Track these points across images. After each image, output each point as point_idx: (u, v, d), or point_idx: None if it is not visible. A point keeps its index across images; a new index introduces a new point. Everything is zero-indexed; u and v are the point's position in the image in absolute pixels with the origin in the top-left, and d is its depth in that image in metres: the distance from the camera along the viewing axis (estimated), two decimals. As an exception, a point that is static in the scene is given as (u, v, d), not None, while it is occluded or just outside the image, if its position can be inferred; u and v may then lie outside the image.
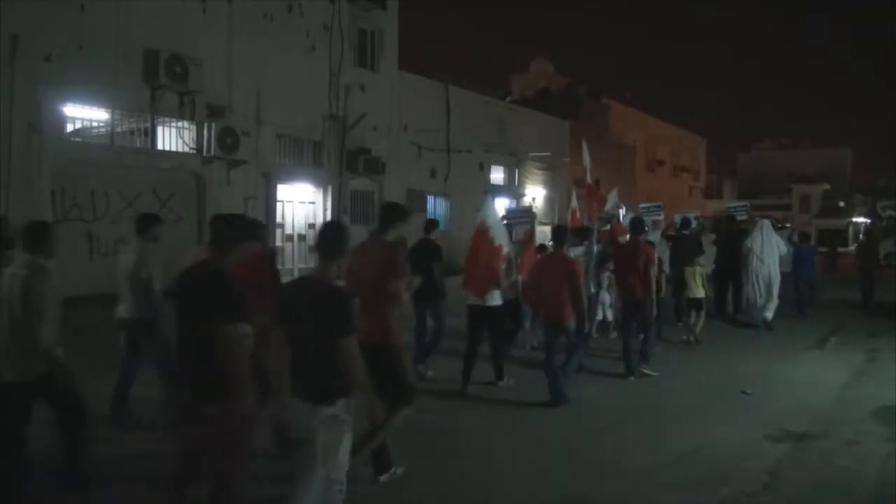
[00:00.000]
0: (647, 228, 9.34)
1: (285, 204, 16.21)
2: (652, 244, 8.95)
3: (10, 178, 11.17)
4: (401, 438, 4.77)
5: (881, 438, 5.81)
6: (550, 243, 7.76)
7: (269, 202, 15.55)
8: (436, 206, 20.92)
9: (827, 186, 54.79)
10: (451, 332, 7.95)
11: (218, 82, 13.93)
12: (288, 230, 16.33)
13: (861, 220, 48.34)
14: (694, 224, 11.99)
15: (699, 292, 9.91)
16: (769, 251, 11.22)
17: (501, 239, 7.30)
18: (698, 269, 10.07)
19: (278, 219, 15.92)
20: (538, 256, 8.49)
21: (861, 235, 23.18)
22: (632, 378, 7.73)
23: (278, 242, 15.80)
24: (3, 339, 4.04)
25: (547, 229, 12.96)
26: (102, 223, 12.52)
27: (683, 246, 10.71)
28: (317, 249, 3.74)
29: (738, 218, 13.36)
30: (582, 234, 9.40)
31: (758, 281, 11.22)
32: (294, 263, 16.31)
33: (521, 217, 10.73)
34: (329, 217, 16.91)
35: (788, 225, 18.46)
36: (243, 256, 3.78)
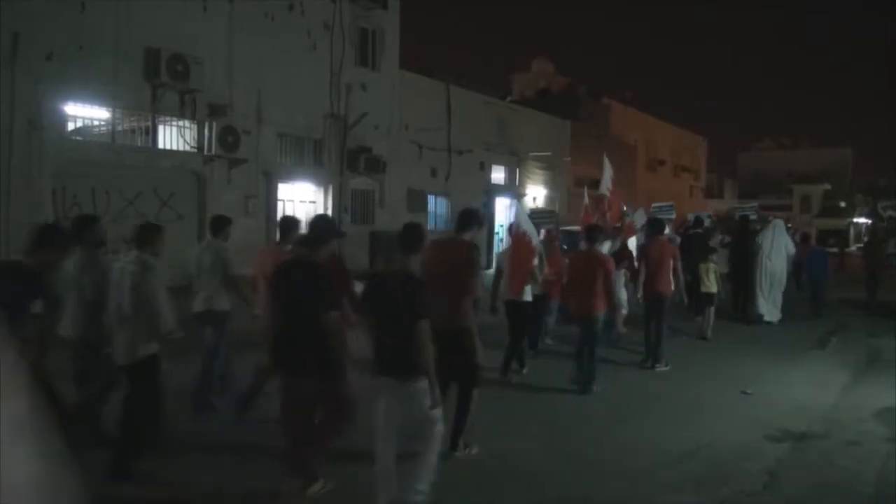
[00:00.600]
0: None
1: (286, 203, 16.20)
2: (674, 242, 9.57)
3: (11, 176, 11.17)
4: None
5: (881, 439, 5.81)
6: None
7: (270, 201, 15.55)
8: (436, 205, 20.91)
9: (828, 186, 54.77)
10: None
11: (219, 81, 13.93)
12: (288, 229, 16.33)
13: (862, 220, 48.33)
14: (707, 223, 12.41)
15: (712, 287, 10.30)
16: (777, 250, 11.60)
17: (535, 239, 7.82)
18: (711, 265, 10.44)
19: (279, 218, 15.89)
20: (571, 254, 8.94)
21: (864, 236, 23.33)
22: (658, 367, 8.29)
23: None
24: (115, 326, 4.56)
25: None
26: (103, 222, 12.48)
27: (696, 244, 11.24)
28: (399, 247, 4.35)
29: (752, 218, 13.82)
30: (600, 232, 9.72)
31: (763, 278, 11.58)
32: (294, 262, 16.31)
33: (545, 218, 11.14)
34: (330, 216, 16.92)
35: (790, 225, 18.62)
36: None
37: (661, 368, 8.28)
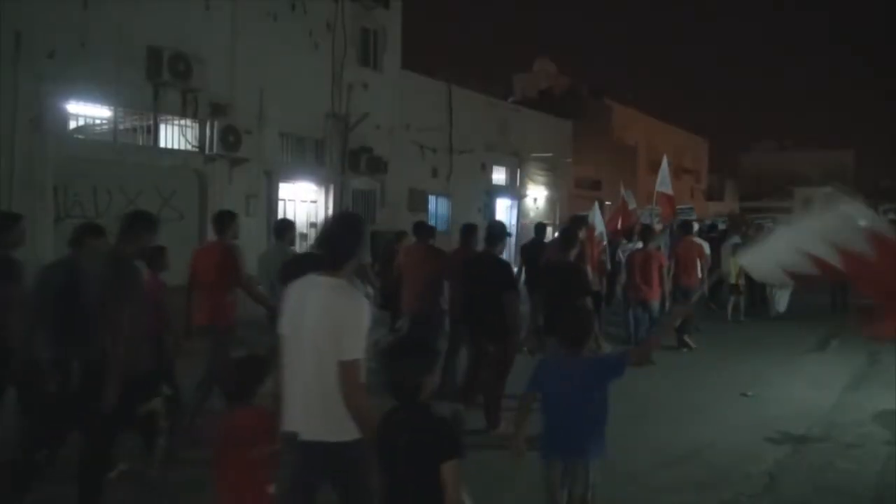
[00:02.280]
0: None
1: (287, 202, 16.21)
2: (701, 243, 10.71)
3: (13, 174, 11.18)
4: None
5: (881, 441, 5.82)
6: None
7: (271, 201, 15.55)
8: (437, 206, 20.92)
9: (829, 189, 54.70)
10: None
11: (221, 80, 13.93)
12: (289, 229, 16.33)
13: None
14: (721, 226, 14.49)
15: (734, 277, 11.91)
16: None
17: (603, 238, 9.56)
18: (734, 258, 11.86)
19: (280, 217, 15.92)
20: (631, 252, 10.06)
21: None
22: (684, 350, 9.33)
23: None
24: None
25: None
26: (104, 221, 12.48)
27: (714, 246, 12.50)
28: (486, 237, 6.11)
29: (766, 226, 14.85)
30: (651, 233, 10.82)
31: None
32: (295, 262, 16.31)
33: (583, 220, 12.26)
34: (331, 216, 16.92)
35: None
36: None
37: (686, 350, 9.39)
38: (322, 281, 2.84)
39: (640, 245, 9.99)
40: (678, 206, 14.76)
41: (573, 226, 7.05)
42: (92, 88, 12.02)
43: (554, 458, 3.39)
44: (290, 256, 6.05)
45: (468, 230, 6.89)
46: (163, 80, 12.73)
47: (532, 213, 25.26)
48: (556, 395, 3.38)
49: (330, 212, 16.98)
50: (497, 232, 6.20)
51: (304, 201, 16.74)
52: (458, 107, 21.09)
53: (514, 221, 23.73)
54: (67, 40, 11.56)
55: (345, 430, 2.67)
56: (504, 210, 24.47)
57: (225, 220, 6.07)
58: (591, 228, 9.44)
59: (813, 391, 7.51)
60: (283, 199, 16.07)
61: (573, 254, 6.29)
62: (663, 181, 12.66)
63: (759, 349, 9.84)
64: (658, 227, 12.69)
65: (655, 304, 8.70)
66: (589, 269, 8.19)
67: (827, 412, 6.73)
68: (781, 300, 12.59)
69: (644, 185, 35.71)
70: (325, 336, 2.71)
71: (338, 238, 2.95)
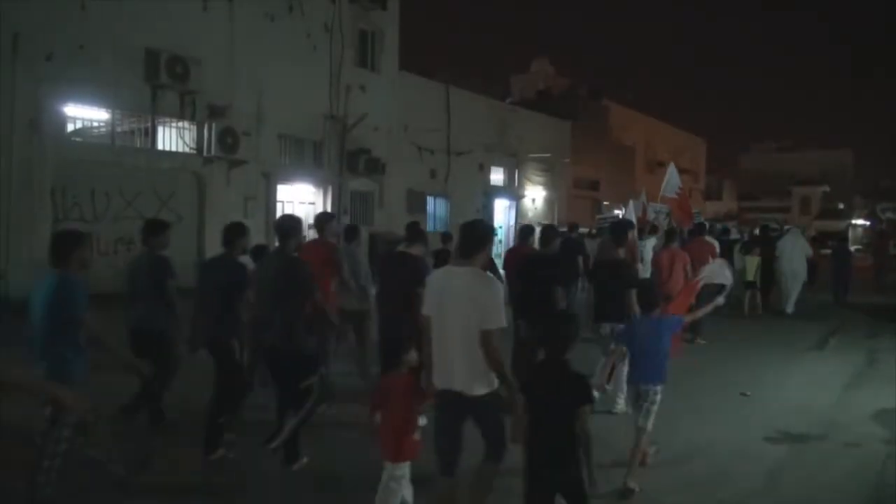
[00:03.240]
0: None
1: (285, 204, 16.21)
2: (713, 242, 11.21)
3: (11, 177, 11.18)
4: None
5: (880, 440, 5.82)
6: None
7: (270, 202, 15.55)
8: (436, 206, 20.93)
9: (827, 188, 54.80)
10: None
11: (219, 82, 13.93)
12: (288, 230, 16.33)
13: (861, 222, 48.36)
14: (734, 232, 15.31)
15: (755, 277, 12.57)
16: (797, 253, 13.03)
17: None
18: (756, 258, 12.58)
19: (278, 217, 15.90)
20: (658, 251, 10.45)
21: (863, 238, 24.06)
22: (700, 341, 9.68)
23: (277, 243, 15.75)
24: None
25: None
26: (103, 223, 12.51)
27: (726, 247, 12.97)
28: (541, 238, 6.88)
29: (772, 227, 16.59)
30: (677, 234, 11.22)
31: (784, 277, 12.98)
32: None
33: (608, 220, 13.75)
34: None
35: (788, 227, 19.61)
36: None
37: (700, 342, 9.67)
38: (461, 270, 3.71)
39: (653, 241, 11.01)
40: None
41: (623, 227, 7.38)
42: (90, 91, 12.03)
43: (635, 383, 4.80)
44: (362, 256, 7.33)
45: (526, 231, 7.97)
46: (161, 82, 12.73)
47: (530, 214, 25.27)
48: (637, 344, 4.79)
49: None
50: (551, 233, 7.04)
51: (302, 203, 16.74)
52: (456, 108, 21.10)
53: (512, 222, 23.75)
54: (65, 43, 11.57)
55: (483, 385, 3.58)
56: (502, 211, 24.48)
57: (323, 220, 7.03)
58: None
59: (812, 390, 7.51)
60: (282, 201, 16.07)
61: (622, 252, 6.94)
62: (670, 186, 13.07)
63: (758, 348, 9.83)
64: (663, 225, 13.03)
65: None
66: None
67: (826, 411, 6.72)
68: (789, 301, 12.93)
69: (642, 184, 35.78)
70: (471, 311, 3.54)
71: (470, 238, 3.80)
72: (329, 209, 16.99)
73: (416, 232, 6.40)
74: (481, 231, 3.88)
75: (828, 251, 17.92)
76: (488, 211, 23.08)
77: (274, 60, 15.01)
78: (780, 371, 8.39)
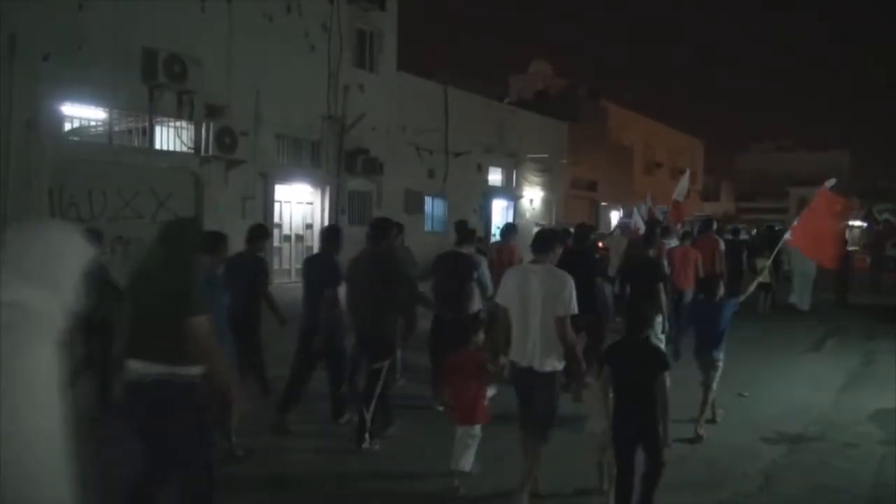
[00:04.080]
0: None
1: (283, 204, 16.20)
2: (718, 239, 11.82)
3: (9, 176, 11.15)
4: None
5: (877, 441, 5.83)
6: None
7: (267, 202, 15.54)
8: (433, 207, 20.93)
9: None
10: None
11: (216, 82, 13.91)
12: (286, 230, 16.32)
13: (857, 223, 48.44)
14: (742, 234, 15.75)
15: (767, 278, 12.33)
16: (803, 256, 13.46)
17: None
18: (766, 260, 12.56)
19: (276, 219, 15.90)
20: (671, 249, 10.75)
21: (861, 239, 24.38)
22: None
23: (276, 243, 15.78)
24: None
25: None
26: (100, 223, 12.48)
27: (735, 248, 13.50)
28: (575, 237, 7.67)
29: (777, 228, 17.45)
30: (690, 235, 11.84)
31: (793, 277, 13.40)
32: (291, 264, 16.29)
33: (628, 221, 14.54)
34: (327, 218, 16.91)
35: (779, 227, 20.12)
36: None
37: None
38: (537, 268, 4.50)
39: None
40: (696, 213, 17.04)
41: (653, 227, 8.64)
42: (87, 90, 12.00)
43: (701, 353, 5.97)
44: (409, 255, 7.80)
45: (509, 229, 8.70)
46: (158, 81, 12.71)
47: (528, 214, 25.29)
48: (703, 322, 6.05)
49: (326, 213, 16.98)
50: (586, 233, 8.01)
51: (300, 203, 16.73)
52: (454, 108, 21.10)
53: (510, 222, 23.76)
54: (63, 42, 11.55)
55: (550, 363, 4.38)
56: (500, 211, 24.48)
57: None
58: (636, 228, 11.97)
59: (809, 391, 7.52)
60: (280, 201, 16.06)
61: (653, 251, 7.73)
62: (682, 191, 14.04)
63: (755, 349, 9.84)
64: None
65: (689, 291, 9.50)
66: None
67: (823, 412, 6.74)
68: (804, 299, 13.25)
69: (640, 185, 35.77)
70: (548, 300, 4.32)
71: (544, 241, 4.62)
72: (327, 209, 17.00)
73: (466, 233, 7.12)
74: (552, 236, 4.78)
75: None
76: (486, 211, 23.07)
77: (272, 60, 15.00)
78: (778, 372, 8.41)
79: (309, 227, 16.86)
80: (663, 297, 6.89)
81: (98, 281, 5.41)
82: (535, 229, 11.73)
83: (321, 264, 5.97)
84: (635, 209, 13.60)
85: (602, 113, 32.83)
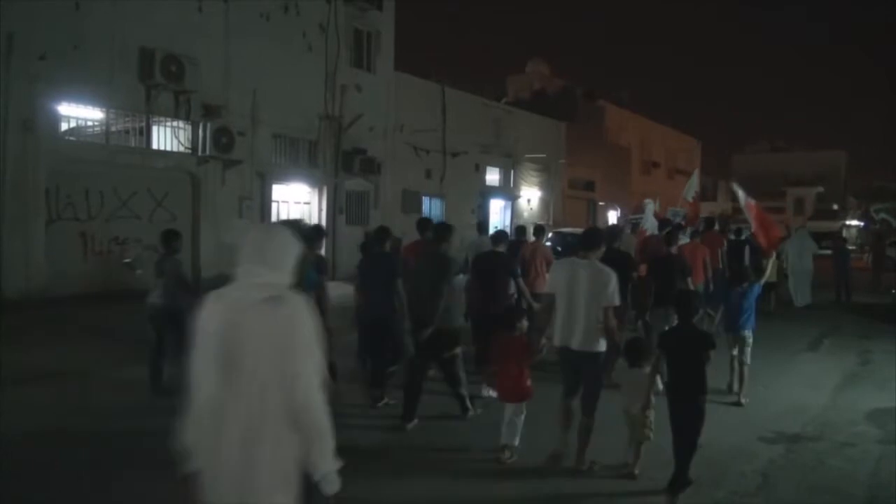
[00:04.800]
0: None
1: (280, 204, 16.18)
2: (720, 235, 12.49)
3: (5, 176, 11.13)
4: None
5: (874, 440, 5.84)
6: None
7: (265, 202, 15.53)
8: (431, 206, 20.92)
9: (821, 189, 54.97)
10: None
11: (214, 82, 13.90)
12: (283, 230, 16.29)
13: (854, 222, 48.51)
14: (745, 234, 15.69)
15: (773, 277, 12.36)
16: (803, 252, 14.16)
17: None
18: (772, 260, 12.72)
19: (273, 219, 15.87)
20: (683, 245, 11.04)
21: (858, 239, 24.44)
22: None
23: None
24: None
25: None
26: (97, 222, 12.48)
27: (737, 247, 13.65)
28: (608, 234, 7.10)
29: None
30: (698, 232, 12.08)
31: (792, 274, 13.97)
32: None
33: (639, 219, 15.02)
34: (325, 217, 16.90)
35: (796, 228, 20.33)
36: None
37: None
38: (583, 262, 5.06)
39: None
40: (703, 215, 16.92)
41: (675, 230, 9.13)
42: (84, 90, 11.99)
43: (733, 332, 7.03)
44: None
45: (672, 232, 9.29)
46: (155, 81, 12.69)
47: (526, 214, 25.29)
48: (731, 306, 7.11)
49: (324, 213, 16.98)
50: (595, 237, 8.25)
51: (297, 203, 16.72)
52: (451, 108, 21.09)
53: (507, 222, 23.75)
54: (59, 42, 11.53)
55: (593, 346, 4.94)
56: (498, 211, 24.49)
57: (447, 231, 7.84)
58: (642, 230, 12.43)
59: (806, 391, 7.53)
60: (277, 201, 16.04)
61: (674, 249, 8.39)
62: (691, 190, 15.03)
63: (753, 349, 9.86)
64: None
65: (700, 286, 9.74)
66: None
67: (820, 411, 6.75)
68: (803, 295, 13.88)
69: (638, 185, 35.81)
70: (594, 290, 4.89)
71: (590, 240, 5.22)
72: (324, 209, 16.99)
73: (502, 235, 7.93)
74: (599, 235, 5.39)
75: (827, 251, 18.35)
76: (484, 211, 23.08)
77: (269, 60, 14.99)
78: (775, 372, 8.41)
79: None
80: (687, 288, 7.56)
81: (176, 277, 6.83)
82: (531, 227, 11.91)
83: (500, 259, 7.32)
84: (648, 210, 13.83)
85: (599, 113, 32.84)
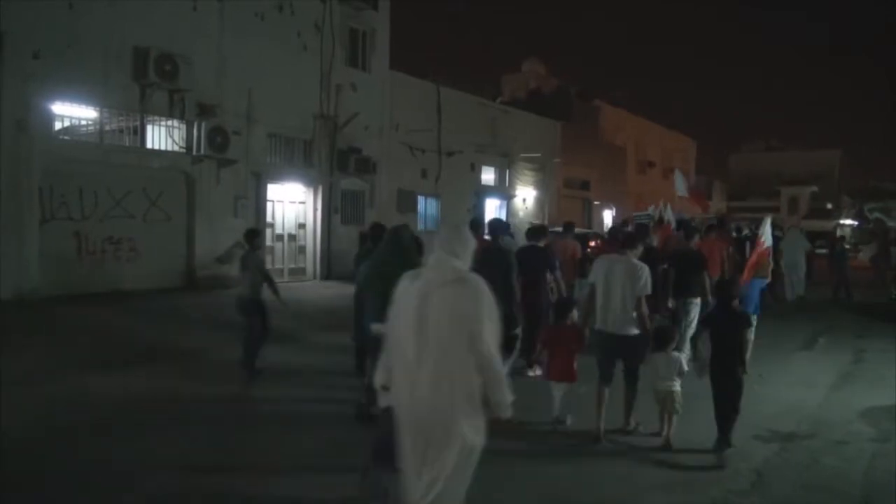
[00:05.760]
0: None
1: (275, 203, 16.14)
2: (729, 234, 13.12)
3: (-2, 176, 11.07)
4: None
5: (868, 438, 5.87)
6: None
7: (260, 202, 15.49)
8: (427, 206, 20.91)
9: (815, 188, 55.16)
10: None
11: (208, 81, 13.86)
12: (278, 230, 16.27)
13: (849, 221, 48.68)
14: (745, 231, 16.50)
15: (769, 277, 13.56)
16: (796, 249, 14.77)
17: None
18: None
19: (268, 218, 15.85)
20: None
21: (851, 238, 24.62)
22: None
23: (269, 242, 15.74)
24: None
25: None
26: (91, 222, 12.43)
27: (739, 243, 14.25)
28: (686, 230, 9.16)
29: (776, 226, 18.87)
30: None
31: (787, 270, 14.36)
32: (284, 263, 16.25)
33: (646, 218, 15.79)
34: (320, 217, 16.88)
35: (789, 227, 20.57)
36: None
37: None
38: (620, 258, 5.90)
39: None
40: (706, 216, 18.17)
41: (694, 227, 9.86)
42: (78, 89, 11.94)
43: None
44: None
45: (691, 229, 9.94)
46: (149, 80, 12.65)
47: (521, 213, 25.30)
48: (745, 292, 7.79)
49: (319, 213, 16.95)
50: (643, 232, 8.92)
51: (292, 202, 16.68)
52: (447, 107, 21.07)
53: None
54: (53, 41, 11.48)
55: (628, 329, 5.75)
56: (493, 210, 24.49)
57: (541, 233, 8.62)
58: (668, 224, 13.03)
59: (800, 389, 7.56)
60: (272, 200, 16.00)
61: (695, 242, 8.99)
62: (680, 188, 15.72)
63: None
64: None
65: (715, 279, 10.38)
66: None
67: (814, 410, 6.77)
68: (795, 289, 14.42)
69: (634, 185, 35.86)
70: (631, 282, 5.69)
71: (631, 238, 6.16)
72: (320, 209, 16.96)
73: (539, 230, 8.59)
74: (637, 235, 6.37)
75: (823, 251, 18.62)
76: (479, 210, 23.07)
77: (264, 59, 14.95)
78: (770, 370, 8.43)
79: (302, 226, 16.82)
80: (707, 280, 8.12)
81: (257, 269, 7.87)
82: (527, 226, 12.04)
83: (540, 254, 8.07)
84: (667, 209, 14.84)
85: (595, 112, 32.87)
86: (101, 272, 12.39)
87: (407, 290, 3.28)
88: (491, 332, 3.15)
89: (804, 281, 15.00)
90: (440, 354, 3.12)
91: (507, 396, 3.20)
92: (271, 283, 7.96)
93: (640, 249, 6.03)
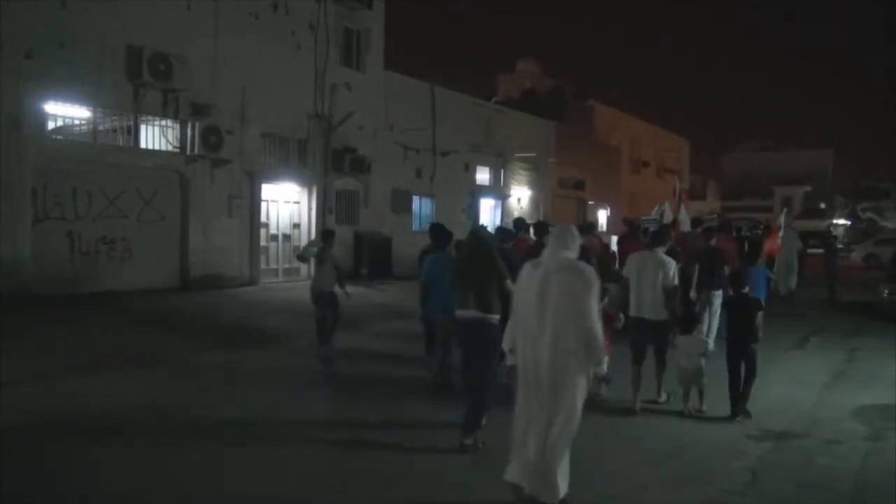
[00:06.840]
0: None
1: (270, 203, 16.11)
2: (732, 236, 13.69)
3: (-9, 175, 11.02)
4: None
5: (860, 437, 5.89)
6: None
7: (254, 201, 15.45)
8: (421, 206, 20.90)
9: (808, 188, 55.38)
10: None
11: (202, 80, 13.82)
12: (273, 230, 16.24)
13: (841, 221, 48.91)
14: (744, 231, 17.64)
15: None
16: (790, 248, 15.02)
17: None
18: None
19: (263, 218, 15.82)
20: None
21: (845, 237, 24.75)
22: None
23: (263, 242, 15.71)
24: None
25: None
26: (84, 222, 12.38)
27: (738, 242, 14.46)
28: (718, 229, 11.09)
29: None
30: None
31: (780, 268, 14.50)
32: (279, 263, 16.22)
33: (654, 221, 16.13)
34: (314, 216, 16.85)
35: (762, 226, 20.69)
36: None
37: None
38: (650, 254, 6.85)
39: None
40: (709, 216, 18.72)
41: (713, 228, 10.79)
42: (71, 88, 11.89)
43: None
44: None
45: (711, 229, 10.94)
46: (143, 80, 12.60)
47: (516, 213, 25.31)
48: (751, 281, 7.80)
49: (313, 212, 16.92)
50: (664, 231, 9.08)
51: (286, 202, 16.65)
52: (441, 107, 21.07)
53: (498, 221, 23.75)
54: (46, 40, 11.43)
55: (658, 315, 6.66)
56: (488, 210, 24.50)
57: (587, 229, 9.68)
58: (679, 224, 13.55)
59: (793, 388, 7.59)
60: (266, 200, 15.96)
61: (713, 241, 9.88)
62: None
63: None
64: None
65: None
66: None
67: (807, 408, 6.81)
68: (785, 284, 14.45)
69: (628, 185, 35.92)
70: (659, 274, 6.61)
71: (657, 237, 7.12)
72: (314, 209, 16.93)
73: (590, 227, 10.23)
74: (663, 232, 7.32)
75: (818, 251, 18.69)
76: (474, 210, 23.08)
77: (258, 59, 14.92)
78: (763, 369, 8.42)
79: (296, 226, 16.79)
80: (726, 274, 8.81)
81: (331, 266, 8.84)
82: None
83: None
84: (682, 210, 15.73)
85: (589, 112, 32.91)
86: (94, 272, 12.34)
87: (531, 274, 4.26)
88: (594, 309, 4.13)
89: (796, 279, 15.15)
90: (557, 324, 4.08)
91: (604, 357, 4.35)
92: (342, 277, 8.98)
93: (667, 246, 7.00)
